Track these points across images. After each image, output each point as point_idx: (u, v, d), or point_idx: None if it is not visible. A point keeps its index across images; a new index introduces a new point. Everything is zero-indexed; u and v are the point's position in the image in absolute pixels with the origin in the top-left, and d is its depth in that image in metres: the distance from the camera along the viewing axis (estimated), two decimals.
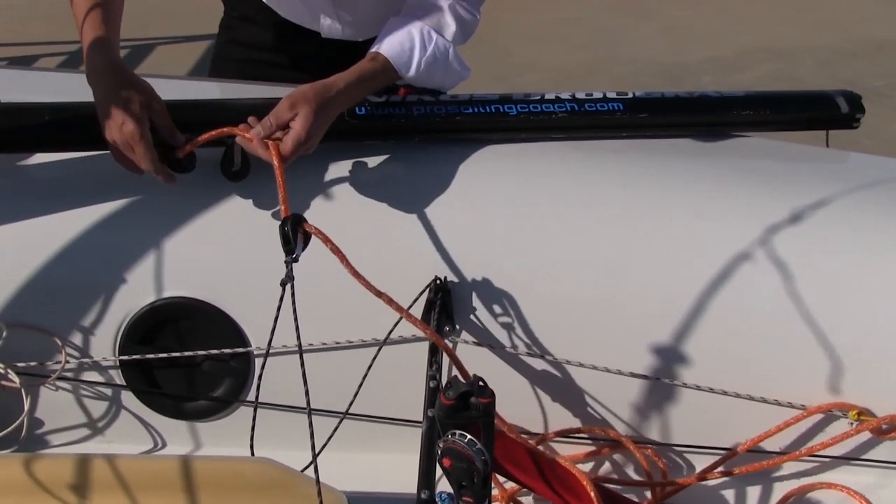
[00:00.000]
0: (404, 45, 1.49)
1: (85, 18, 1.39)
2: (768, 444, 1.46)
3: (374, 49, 1.50)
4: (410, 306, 1.44)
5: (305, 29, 1.76)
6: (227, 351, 1.52)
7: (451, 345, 1.50)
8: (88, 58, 1.37)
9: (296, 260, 1.18)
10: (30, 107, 1.48)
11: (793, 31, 5.33)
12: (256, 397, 1.26)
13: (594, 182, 1.55)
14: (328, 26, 1.74)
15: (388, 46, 1.49)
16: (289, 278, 1.15)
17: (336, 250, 1.21)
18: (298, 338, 1.13)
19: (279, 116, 1.36)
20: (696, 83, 4.68)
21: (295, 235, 1.19)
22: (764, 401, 1.43)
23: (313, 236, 1.21)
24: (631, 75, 4.75)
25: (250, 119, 1.38)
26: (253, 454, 1.26)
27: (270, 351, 1.52)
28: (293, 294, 1.14)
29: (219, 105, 1.57)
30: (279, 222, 1.33)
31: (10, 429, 1.49)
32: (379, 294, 1.24)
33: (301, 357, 1.10)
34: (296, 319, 1.13)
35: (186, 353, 1.53)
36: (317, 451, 1.29)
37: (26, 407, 1.52)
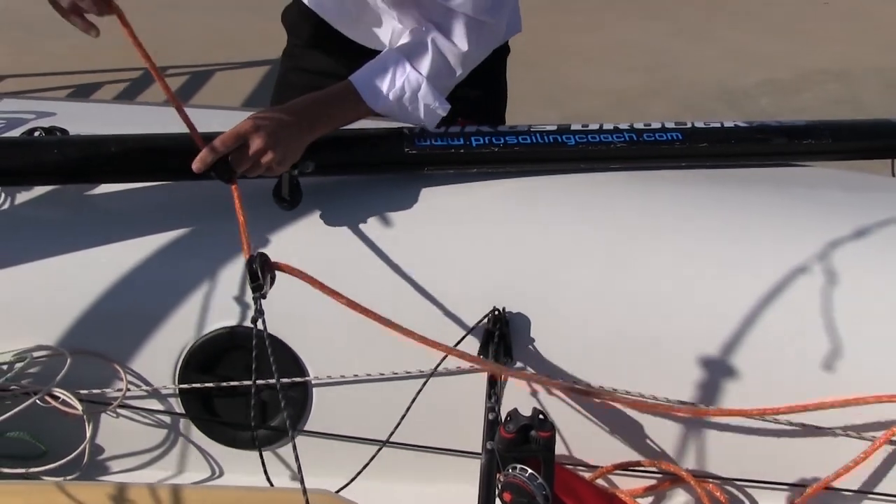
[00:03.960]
0: (374, 75, 1.46)
1: None
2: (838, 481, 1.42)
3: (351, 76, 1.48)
4: (465, 336, 1.44)
5: (369, 53, 1.75)
6: (285, 381, 1.53)
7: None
8: None
9: (264, 296, 1.20)
10: (97, 139, 1.51)
11: (854, 52, 5.25)
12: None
13: (654, 213, 1.53)
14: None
15: (360, 74, 1.47)
16: (259, 314, 1.19)
17: (314, 281, 1.23)
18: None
19: (225, 139, 1.35)
20: (755, 106, 4.62)
21: (263, 272, 1.20)
22: (830, 431, 1.40)
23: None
24: (688, 98, 4.70)
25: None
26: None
27: (328, 381, 1.54)
28: (265, 328, 1.18)
29: None
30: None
31: (72, 455, 1.50)
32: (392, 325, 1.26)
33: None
34: (269, 354, 1.18)
35: (245, 383, 1.54)
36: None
37: (88, 434, 1.54)
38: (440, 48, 1.48)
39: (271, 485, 1.20)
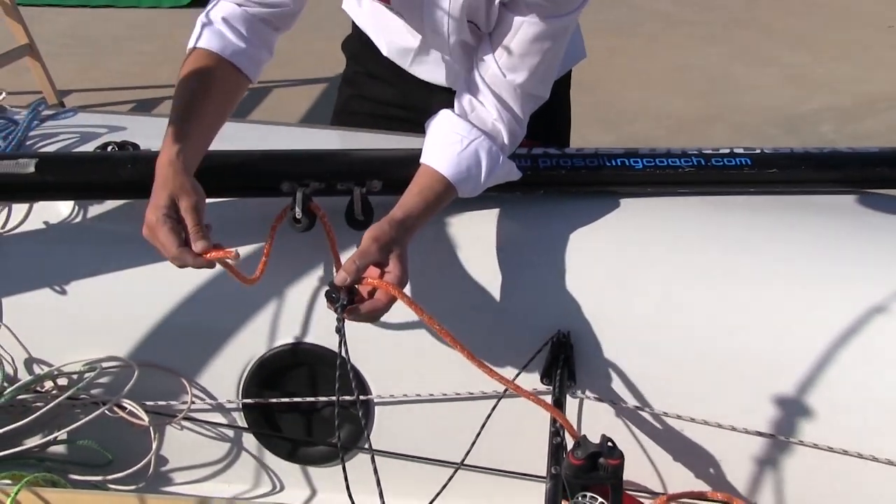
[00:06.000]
0: (471, 171, 1.43)
1: (174, 105, 1.38)
2: None
3: (434, 166, 1.42)
4: (531, 360, 1.44)
5: (431, 85, 1.76)
6: (347, 398, 1.53)
7: (571, 400, 1.48)
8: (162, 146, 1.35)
9: (344, 307, 1.24)
10: None
11: None
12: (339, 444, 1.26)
13: (720, 238, 1.52)
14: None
15: (455, 171, 1.41)
16: (342, 335, 1.24)
17: (403, 296, 1.25)
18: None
19: (366, 255, 1.29)
20: (815, 132, 4.56)
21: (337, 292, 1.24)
22: None
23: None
24: (747, 124, 4.65)
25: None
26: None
27: (390, 399, 1.54)
28: (345, 342, 1.24)
29: (341, 156, 1.60)
30: None
31: (138, 466, 1.53)
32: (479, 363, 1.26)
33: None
34: (343, 364, 1.23)
35: (307, 399, 1.56)
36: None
37: (154, 444, 1.56)
38: (515, 132, 1.48)
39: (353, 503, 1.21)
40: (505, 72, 1.43)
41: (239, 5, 1.45)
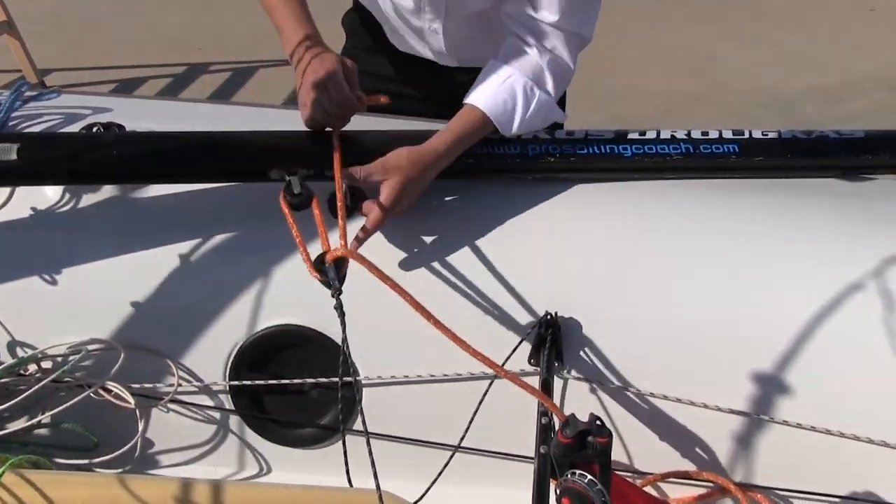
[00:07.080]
0: (507, 104, 1.48)
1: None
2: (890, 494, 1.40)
3: (472, 102, 1.49)
4: (521, 343, 1.44)
5: (434, 63, 1.76)
6: (335, 380, 1.53)
7: (559, 381, 1.48)
8: (288, 38, 1.49)
9: (339, 288, 1.25)
10: (153, 136, 1.52)
11: None
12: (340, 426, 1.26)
13: (707, 221, 1.53)
14: (445, 59, 1.75)
15: (491, 104, 1.48)
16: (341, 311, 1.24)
17: (383, 276, 1.23)
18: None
19: (369, 174, 1.41)
20: (800, 114, 4.56)
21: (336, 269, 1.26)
22: (885, 445, 1.38)
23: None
24: (733, 104, 4.65)
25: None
26: (351, 484, 1.26)
27: (377, 381, 1.54)
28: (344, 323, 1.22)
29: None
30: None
31: (124, 448, 1.52)
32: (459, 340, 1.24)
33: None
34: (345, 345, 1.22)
35: (295, 381, 1.55)
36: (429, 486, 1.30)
37: (140, 428, 1.55)
38: (558, 69, 1.52)
39: (351, 485, 1.21)
40: (535, 13, 1.49)
41: None
